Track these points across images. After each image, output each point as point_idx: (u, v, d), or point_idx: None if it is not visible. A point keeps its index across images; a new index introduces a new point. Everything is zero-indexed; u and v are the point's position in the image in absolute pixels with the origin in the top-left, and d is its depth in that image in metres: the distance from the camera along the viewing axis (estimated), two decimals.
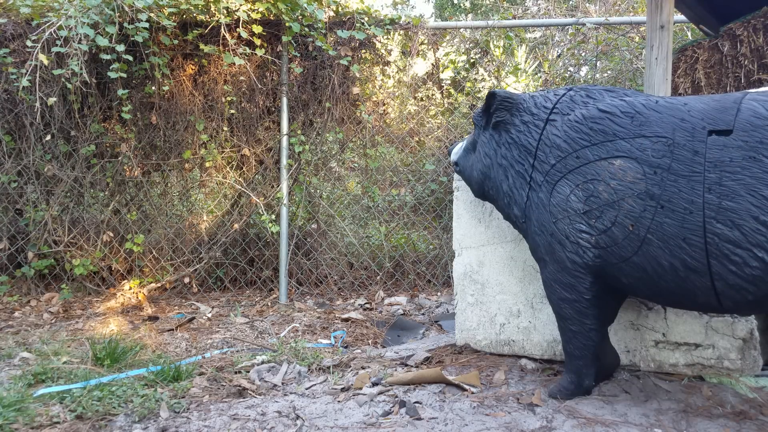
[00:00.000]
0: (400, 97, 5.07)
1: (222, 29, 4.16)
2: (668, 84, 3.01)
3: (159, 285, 4.51)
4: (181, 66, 4.48)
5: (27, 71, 3.85)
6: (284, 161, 4.48)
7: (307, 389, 2.46)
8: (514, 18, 5.80)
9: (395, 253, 4.77)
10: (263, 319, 3.88)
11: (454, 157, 2.69)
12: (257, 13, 4.17)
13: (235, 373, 2.70)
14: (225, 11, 4.13)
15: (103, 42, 3.87)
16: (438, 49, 5.05)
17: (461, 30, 5.32)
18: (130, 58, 4.09)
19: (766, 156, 1.69)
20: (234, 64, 4.26)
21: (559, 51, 5.90)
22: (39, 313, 4.02)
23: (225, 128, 4.60)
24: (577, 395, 2.19)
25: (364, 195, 5.00)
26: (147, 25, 3.93)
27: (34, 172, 4.42)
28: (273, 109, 4.67)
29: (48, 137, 4.33)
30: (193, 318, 3.85)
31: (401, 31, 4.71)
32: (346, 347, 3.22)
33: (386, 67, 4.87)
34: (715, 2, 3.71)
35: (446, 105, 5.03)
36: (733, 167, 1.72)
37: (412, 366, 2.69)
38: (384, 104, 4.81)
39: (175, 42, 4.25)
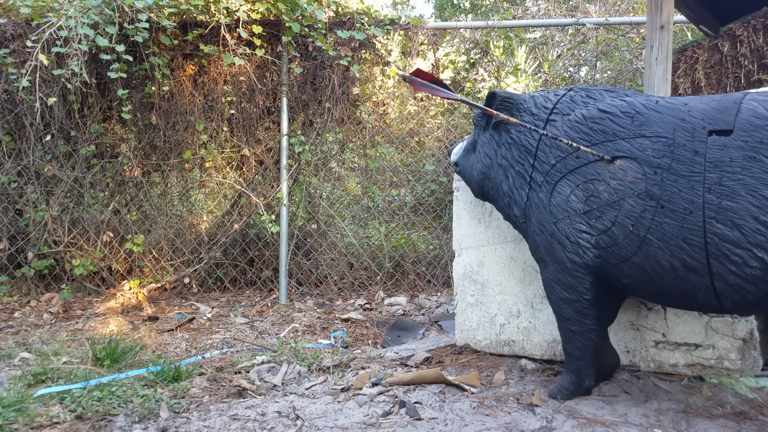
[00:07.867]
0: (400, 97, 5.07)
1: (222, 29, 4.15)
2: (668, 84, 3.01)
3: (159, 285, 4.50)
4: (181, 66, 4.47)
5: (27, 71, 3.85)
6: (284, 161, 4.48)
7: (307, 389, 2.46)
8: (514, 18, 5.80)
9: (395, 253, 4.77)
10: (263, 319, 3.88)
11: (454, 157, 2.69)
12: (257, 13, 4.17)
13: (235, 373, 2.69)
14: (225, 11, 4.13)
15: (103, 42, 3.87)
16: (438, 49, 5.05)
17: (461, 30, 5.32)
18: (130, 58, 4.08)
19: (766, 156, 1.69)
20: (234, 64, 4.26)
21: (559, 51, 5.90)
22: (39, 314, 4.02)
23: (225, 128, 4.60)
24: (577, 395, 2.19)
25: (364, 195, 5.00)
26: (147, 25, 3.93)
27: (34, 173, 4.41)
28: (273, 109, 4.67)
29: (48, 137, 4.32)
30: (193, 318, 3.84)
31: (401, 32, 4.71)
32: (346, 347, 3.22)
33: (386, 68, 4.87)
34: (715, 2, 3.71)
35: (446, 105, 5.03)
36: (733, 167, 1.73)
37: (412, 366, 2.69)
38: (384, 104, 4.81)
39: (175, 42, 4.25)
